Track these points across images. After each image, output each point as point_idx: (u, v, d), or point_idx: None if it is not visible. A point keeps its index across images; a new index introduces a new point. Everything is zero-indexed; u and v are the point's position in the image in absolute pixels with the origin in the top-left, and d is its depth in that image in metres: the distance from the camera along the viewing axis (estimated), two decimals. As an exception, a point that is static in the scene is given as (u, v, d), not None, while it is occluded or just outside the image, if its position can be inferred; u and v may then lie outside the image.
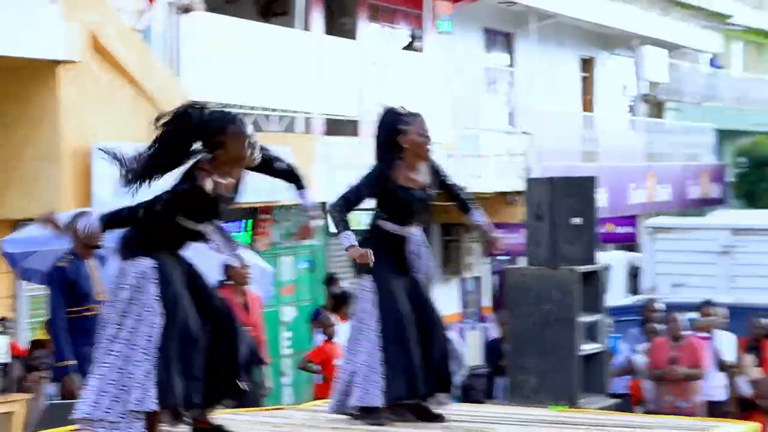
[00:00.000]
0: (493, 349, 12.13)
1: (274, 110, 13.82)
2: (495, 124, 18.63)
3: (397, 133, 5.98)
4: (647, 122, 24.64)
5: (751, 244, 16.90)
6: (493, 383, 11.62)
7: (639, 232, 21.00)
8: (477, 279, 19.58)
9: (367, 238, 6.05)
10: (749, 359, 11.23)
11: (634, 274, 18.12)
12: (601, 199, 17.80)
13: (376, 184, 5.99)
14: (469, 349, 16.83)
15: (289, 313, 14.44)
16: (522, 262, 11.80)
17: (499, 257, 19.39)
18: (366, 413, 5.96)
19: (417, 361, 5.93)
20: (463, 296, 19.19)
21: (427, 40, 17.72)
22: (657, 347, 10.73)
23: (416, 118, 6.05)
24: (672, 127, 25.33)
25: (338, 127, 15.24)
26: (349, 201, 5.96)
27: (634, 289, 17.74)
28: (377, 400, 5.92)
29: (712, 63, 28.56)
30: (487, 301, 19.72)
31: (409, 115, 6.04)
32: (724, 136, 28.83)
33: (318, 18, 15.74)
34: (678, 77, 26.31)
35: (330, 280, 13.49)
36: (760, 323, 11.42)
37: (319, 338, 10.95)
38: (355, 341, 6.03)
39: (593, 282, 9.21)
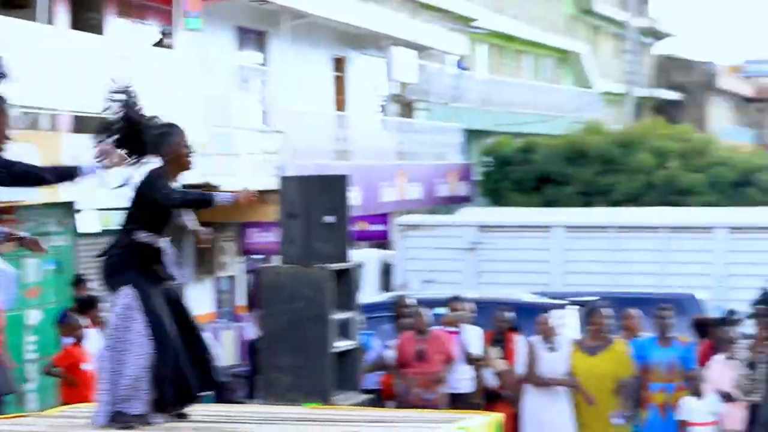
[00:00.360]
0: (253, 349, 12.05)
1: (16, 106, 13.26)
2: (248, 122, 18.56)
3: (162, 142, 6.06)
4: (398, 122, 25.16)
5: (496, 240, 17.53)
6: (254, 383, 11.54)
7: (391, 230, 21.39)
8: (231, 278, 19.46)
9: (121, 251, 6.04)
10: (495, 352, 11.60)
11: (386, 271, 18.44)
12: (354, 197, 18.03)
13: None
14: (224, 349, 16.70)
15: (34, 317, 13.92)
16: (277, 261, 11.79)
17: (254, 256, 19.35)
18: (131, 419, 5.90)
19: (185, 365, 6.04)
20: (218, 295, 19.04)
21: (177, 37, 17.46)
22: (404, 341, 10.94)
23: (179, 129, 6.15)
24: (421, 127, 25.96)
25: (86, 124, 14.79)
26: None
27: (386, 286, 18.05)
28: (148, 407, 5.98)
29: (459, 65, 29.42)
30: (242, 300, 19.62)
31: (173, 126, 6.13)
32: (471, 135, 29.76)
33: (63, 12, 15.23)
34: (427, 78, 26.99)
35: (78, 282, 13.09)
36: (505, 317, 11.81)
37: (67, 341, 10.61)
38: (119, 350, 6.01)
39: (346, 279, 9.28)
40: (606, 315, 10.71)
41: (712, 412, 10.21)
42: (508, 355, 11.54)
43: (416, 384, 10.76)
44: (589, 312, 10.96)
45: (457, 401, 10.87)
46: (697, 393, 10.25)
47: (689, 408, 10.24)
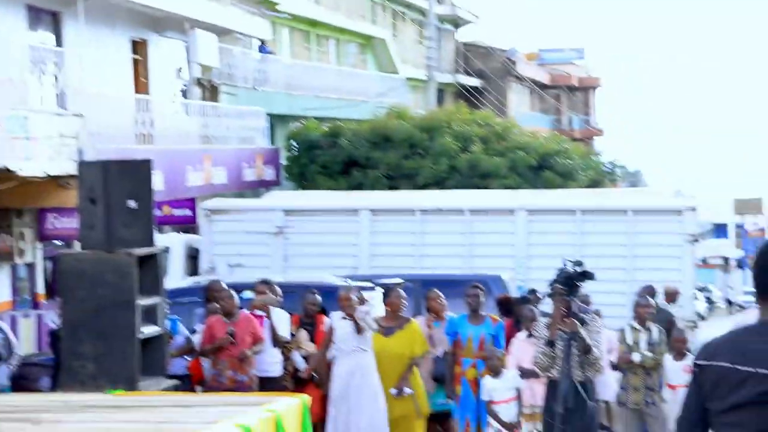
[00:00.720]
0: (56, 337, 11.69)
1: None
2: (44, 105, 17.96)
3: None
4: (202, 106, 24.84)
5: (303, 224, 17.54)
6: (58, 371, 11.20)
7: (197, 215, 21.13)
8: (30, 265, 18.84)
9: None
10: (303, 335, 11.61)
11: (193, 255, 18.21)
12: (158, 181, 17.71)
13: None
14: (22, 338, 16.15)
15: None
16: (78, 247, 11.46)
17: (54, 242, 18.79)
18: None
19: None
20: (15, 283, 18.40)
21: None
22: (213, 325, 10.82)
23: None
24: (226, 111, 25.71)
25: None
26: None
27: (193, 271, 17.83)
28: None
29: (262, 49, 29.26)
30: (41, 287, 19.04)
31: None
32: (277, 120, 29.67)
33: None
34: (230, 62, 26.74)
35: None
36: (314, 300, 11.83)
37: None
38: None
39: (151, 265, 9.09)
40: (401, 296, 10.85)
41: (511, 388, 10.48)
42: (316, 338, 11.56)
43: (228, 366, 10.67)
44: (385, 293, 11.08)
45: (267, 384, 10.84)
46: (495, 371, 10.50)
47: (490, 387, 10.48)
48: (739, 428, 3.64)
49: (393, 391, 10.61)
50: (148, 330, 8.85)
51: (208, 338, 10.78)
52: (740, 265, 59.63)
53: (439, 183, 25.83)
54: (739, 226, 60.07)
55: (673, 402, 10.85)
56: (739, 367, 3.66)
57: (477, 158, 26.37)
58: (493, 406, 10.45)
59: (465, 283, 11.89)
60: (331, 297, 11.78)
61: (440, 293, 11.85)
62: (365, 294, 11.53)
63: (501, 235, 16.93)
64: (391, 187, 25.59)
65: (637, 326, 11.02)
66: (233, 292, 11.05)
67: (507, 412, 10.42)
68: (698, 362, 3.81)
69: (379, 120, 28.24)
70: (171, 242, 17.81)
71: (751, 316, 12.15)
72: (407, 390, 10.75)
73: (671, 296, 15.20)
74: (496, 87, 48.73)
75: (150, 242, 9.07)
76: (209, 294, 11.79)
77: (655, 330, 11.02)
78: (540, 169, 27.01)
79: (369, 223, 17.30)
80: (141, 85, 22.95)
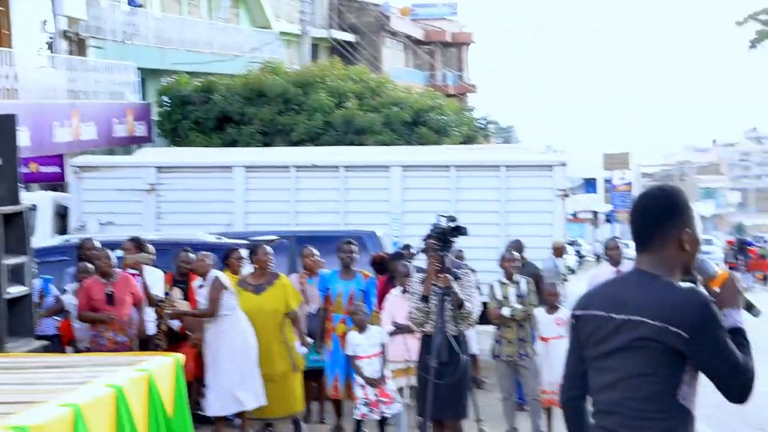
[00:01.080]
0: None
1: None
2: None
3: None
4: (69, 59, 24.23)
5: (175, 181, 17.30)
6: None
7: (66, 172, 20.68)
8: None
9: None
10: (177, 293, 11.48)
11: (62, 214, 17.81)
12: (23, 138, 17.25)
13: None
14: None
15: None
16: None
17: None
18: None
19: None
20: None
21: None
22: (90, 287, 10.60)
23: None
24: (95, 65, 25.14)
25: None
26: None
27: (63, 230, 17.45)
28: None
29: (131, 1, 28.65)
30: None
31: None
32: (147, 75, 29.13)
33: None
34: (98, 14, 26.13)
35: None
36: (186, 257, 11.70)
37: None
38: None
39: (17, 223, 8.86)
40: (267, 253, 10.79)
41: (375, 344, 10.55)
42: (189, 296, 11.44)
43: (108, 328, 10.47)
44: (251, 252, 11.00)
45: (141, 343, 10.70)
46: (360, 327, 10.55)
47: (355, 343, 10.53)
48: (613, 373, 3.74)
49: (300, 348, 10.67)
50: (15, 290, 8.63)
51: (86, 301, 10.53)
52: (609, 219, 61.07)
53: (313, 139, 25.75)
54: (608, 181, 61.43)
55: (545, 354, 11.05)
56: (614, 315, 3.75)
57: (352, 114, 26.34)
58: (357, 361, 10.50)
59: (340, 240, 11.89)
60: (205, 254, 11.66)
61: (315, 250, 11.83)
62: (241, 251, 11.45)
63: (376, 191, 16.96)
64: (266, 144, 25.41)
65: (505, 280, 11.18)
66: (109, 252, 10.83)
67: (370, 367, 10.48)
68: (575, 312, 3.90)
69: (252, 75, 27.95)
70: (38, 200, 17.38)
71: (603, 269, 12.47)
72: (309, 339, 10.86)
73: (558, 251, 15.91)
74: (370, 42, 48.68)
75: (15, 200, 8.83)
76: (82, 252, 11.54)
77: (523, 282, 11.18)
78: (414, 125, 27.12)
79: (243, 179, 17.16)
80: (3, 37, 22.26)
